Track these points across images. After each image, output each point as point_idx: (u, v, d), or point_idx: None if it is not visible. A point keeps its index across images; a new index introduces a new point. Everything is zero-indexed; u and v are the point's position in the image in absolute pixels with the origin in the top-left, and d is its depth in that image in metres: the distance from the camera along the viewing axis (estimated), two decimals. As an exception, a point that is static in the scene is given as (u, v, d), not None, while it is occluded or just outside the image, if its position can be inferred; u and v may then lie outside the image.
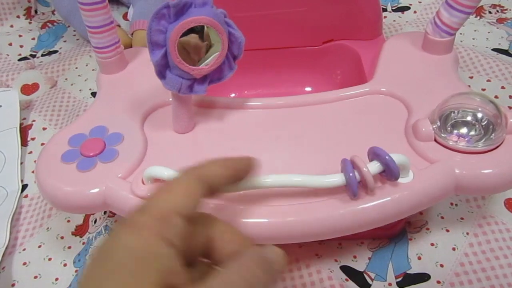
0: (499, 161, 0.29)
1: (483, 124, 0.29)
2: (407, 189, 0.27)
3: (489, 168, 0.28)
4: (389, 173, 0.27)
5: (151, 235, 0.17)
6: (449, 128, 0.30)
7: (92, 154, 0.31)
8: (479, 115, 0.30)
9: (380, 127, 0.33)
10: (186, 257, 0.18)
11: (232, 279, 0.17)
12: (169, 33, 0.28)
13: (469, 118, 0.30)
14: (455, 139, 0.29)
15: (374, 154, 0.27)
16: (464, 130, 0.30)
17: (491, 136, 0.29)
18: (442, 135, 0.30)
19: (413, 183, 0.28)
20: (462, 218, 0.37)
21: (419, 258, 0.35)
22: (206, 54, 0.30)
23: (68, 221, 0.40)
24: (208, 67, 0.30)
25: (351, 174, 0.26)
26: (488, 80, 0.48)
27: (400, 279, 0.34)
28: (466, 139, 0.29)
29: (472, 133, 0.29)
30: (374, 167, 0.27)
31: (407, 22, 0.58)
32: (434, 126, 0.30)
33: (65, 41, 0.63)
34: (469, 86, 0.47)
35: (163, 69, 0.29)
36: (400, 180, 0.28)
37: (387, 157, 0.26)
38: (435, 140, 0.30)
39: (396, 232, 0.37)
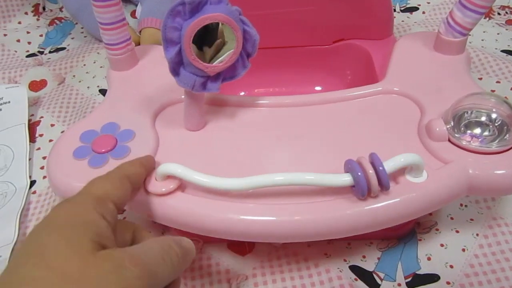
0: (513, 162, 0.28)
1: (497, 124, 0.29)
2: (421, 189, 0.27)
3: (503, 169, 0.28)
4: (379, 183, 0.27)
5: (89, 208, 0.21)
6: (462, 128, 0.30)
7: (103, 150, 0.31)
8: (493, 115, 0.30)
9: (393, 126, 0.33)
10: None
11: (151, 244, 0.22)
12: (184, 30, 0.28)
13: (483, 119, 0.30)
14: (469, 139, 0.29)
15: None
16: (477, 131, 0.29)
17: (505, 137, 0.29)
18: (456, 135, 0.30)
19: (427, 183, 0.28)
20: (471, 219, 0.37)
21: (429, 259, 0.35)
22: (220, 52, 0.30)
23: (77, 217, 0.40)
24: (222, 64, 0.30)
25: (359, 174, 0.26)
26: (498, 82, 0.48)
27: (409, 279, 0.34)
28: (479, 139, 0.29)
29: (486, 133, 0.29)
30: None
31: (415, 22, 0.58)
32: (448, 126, 0.30)
33: (72, 38, 0.63)
34: (479, 87, 0.47)
35: (177, 66, 0.29)
36: (414, 180, 0.28)
37: (380, 168, 0.26)
38: (449, 140, 0.30)
39: (405, 233, 0.37)
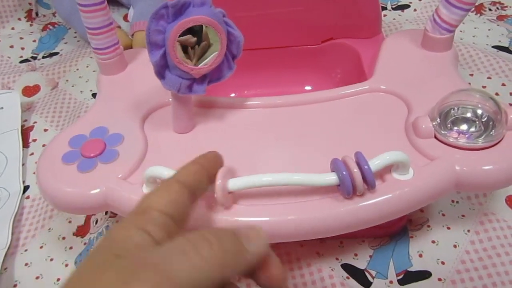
0: (499, 158, 0.29)
1: (483, 120, 0.29)
2: (407, 187, 0.27)
3: (489, 164, 0.28)
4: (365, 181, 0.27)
5: (130, 226, 0.20)
6: (449, 125, 0.30)
7: (92, 155, 0.31)
8: (479, 111, 0.30)
9: (380, 124, 0.33)
10: None
11: (178, 239, 0.19)
12: (168, 33, 0.28)
13: (469, 115, 0.30)
14: (455, 135, 0.29)
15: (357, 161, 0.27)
16: (464, 127, 0.29)
17: (491, 133, 0.29)
18: (442, 132, 0.30)
19: (413, 180, 0.28)
20: (463, 215, 0.37)
21: (420, 256, 0.35)
22: (205, 54, 0.30)
23: (70, 221, 0.41)
24: (207, 66, 0.30)
25: (344, 173, 0.26)
26: (489, 78, 0.48)
27: (401, 276, 0.34)
28: (466, 135, 0.29)
29: (472, 129, 0.29)
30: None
31: (407, 20, 0.58)
32: (434, 123, 0.30)
33: (65, 43, 0.64)
34: (470, 83, 0.47)
35: (162, 69, 0.29)
36: (400, 177, 0.28)
37: (366, 167, 0.26)
38: (435, 137, 0.30)
39: (397, 230, 0.37)
